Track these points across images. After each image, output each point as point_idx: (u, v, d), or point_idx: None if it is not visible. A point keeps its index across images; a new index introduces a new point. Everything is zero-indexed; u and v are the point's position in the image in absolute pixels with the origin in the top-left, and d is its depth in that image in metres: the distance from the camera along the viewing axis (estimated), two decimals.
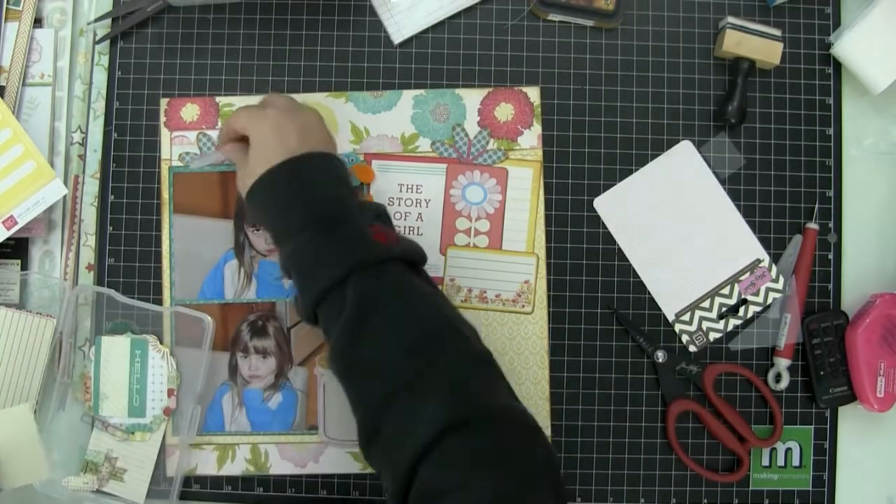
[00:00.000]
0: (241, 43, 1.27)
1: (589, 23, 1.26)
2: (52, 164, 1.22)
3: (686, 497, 1.24)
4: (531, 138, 1.25)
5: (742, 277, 1.24)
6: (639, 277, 1.25)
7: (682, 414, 1.24)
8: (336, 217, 1.03)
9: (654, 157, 1.25)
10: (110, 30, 1.26)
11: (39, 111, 1.25)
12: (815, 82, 1.27)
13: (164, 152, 1.25)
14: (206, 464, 1.24)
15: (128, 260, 1.25)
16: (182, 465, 1.22)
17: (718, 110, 1.24)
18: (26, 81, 1.25)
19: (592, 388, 1.24)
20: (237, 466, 1.24)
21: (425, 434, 0.89)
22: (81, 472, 1.23)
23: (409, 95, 1.26)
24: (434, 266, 1.24)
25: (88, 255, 1.25)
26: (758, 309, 1.24)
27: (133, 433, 1.23)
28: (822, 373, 1.23)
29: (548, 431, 1.23)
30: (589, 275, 1.25)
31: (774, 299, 1.24)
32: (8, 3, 1.24)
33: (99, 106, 1.26)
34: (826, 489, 1.24)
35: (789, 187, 1.25)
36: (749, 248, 1.24)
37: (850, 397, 1.23)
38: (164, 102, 1.26)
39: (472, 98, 1.25)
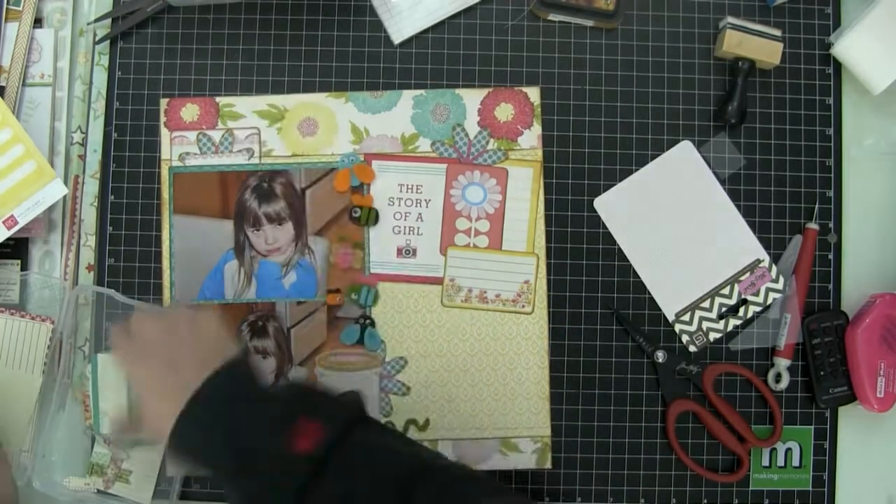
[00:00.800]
0: (241, 43, 1.27)
1: (589, 23, 1.26)
2: (52, 164, 1.22)
3: (686, 497, 1.24)
4: (531, 138, 1.25)
5: (742, 277, 1.24)
6: (639, 277, 1.25)
7: (682, 414, 1.24)
8: (250, 464, 0.92)
9: (654, 157, 1.25)
10: (110, 30, 1.26)
11: (39, 111, 1.25)
12: (815, 82, 1.27)
13: (164, 152, 1.25)
14: None
15: (128, 260, 1.25)
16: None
17: (718, 110, 1.24)
18: (26, 81, 1.25)
19: (592, 388, 1.24)
20: None
21: None
22: (87, 475, 1.23)
23: (408, 95, 1.26)
24: (434, 266, 1.24)
25: (88, 255, 1.25)
26: (758, 309, 1.24)
27: (134, 447, 1.23)
28: (821, 373, 1.23)
29: (548, 431, 1.24)
30: (589, 275, 1.25)
31: (774, 299, 1.24)
32: (8, 3, 1.24)
33: (99, 106, 1.26)
34: (826, 489, 1.24)
35: (789, 187, 1.25)
36: (749, 248, 1.24)
37: (850, 397, 1.23)
38: (163, 102, 1.26)
39: (472, 98, 1.25)
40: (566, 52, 1.27)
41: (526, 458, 1.24)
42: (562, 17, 1.26)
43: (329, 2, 1.27)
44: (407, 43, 1.26)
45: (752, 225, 1.24)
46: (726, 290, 1.24)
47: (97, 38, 1.26)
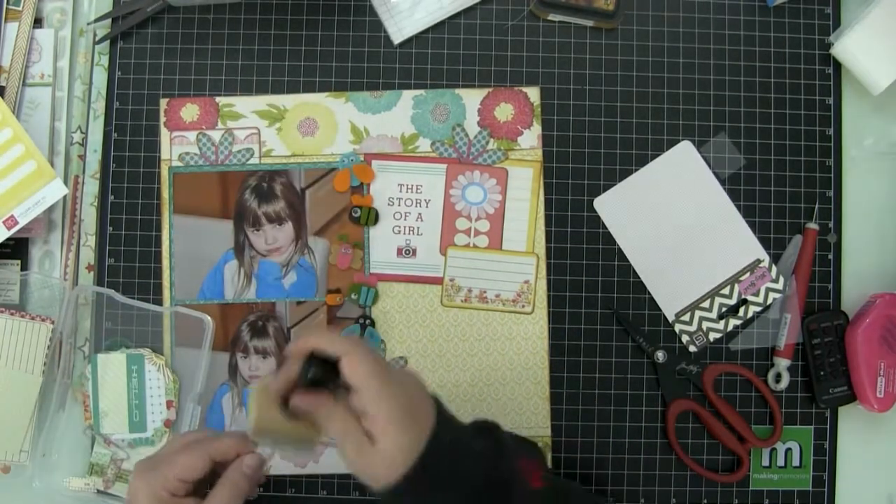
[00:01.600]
0: (241, 43, 1.27)
1: (589, 23, 1.26)
2: (52, 164, 1.22)
3: (686, 497, 1.24)
4: (531, 138, 1.25)
5: (742, 277, 1.24)
6: (639, 277, 1.25)
7: (682, 414, 1.24)
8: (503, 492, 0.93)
9: (654, 157, 1.25)
10: (110, 30, 1.26)
11: (39, 111, 1.25)
12: (815, 82, 1.27)
13: (164, 152, 1.25)
14: None
15: (128, 260, 1.25)
16: None
17: None
18: (26, 81, 1.25)
19: (592, 388, 1.24)
20: None
21: None
22: (87, 475, 1.23)
23: (408, 95, 1.26)
24: (434, 266, 1.24)
25: (88, 255, 1.25)
26: (758, 309, 1.24)
27: (135, 448, 1.23)
28: (821, 373, 1.23)
29: (548, 431, 1.24)
30: (589, 275, 1.25)
31: (774, 299, 1.24)
32: (8, 3, 1.24)
33: (99, 106, 1.26)
34: (826, 489, 1.24)
35: (789, 187, 1.25)
36: (749, 248, 1.24)
37: (850, 397, 1.23)
38: (163, 102, 1.26)
39: (471, 98, 1.25)
40: (566, 52, 1.27)
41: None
42: (562, 17, 1.26)
43: (329, 2, 1.27)
44: (407, 43, 1.26)
45: (752, 225, 1.24)
46: (726, 290, 1.24)
47: (97, 38, 1.26)
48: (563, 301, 1.25)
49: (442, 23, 1.26)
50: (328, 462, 1.24)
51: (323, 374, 0.92)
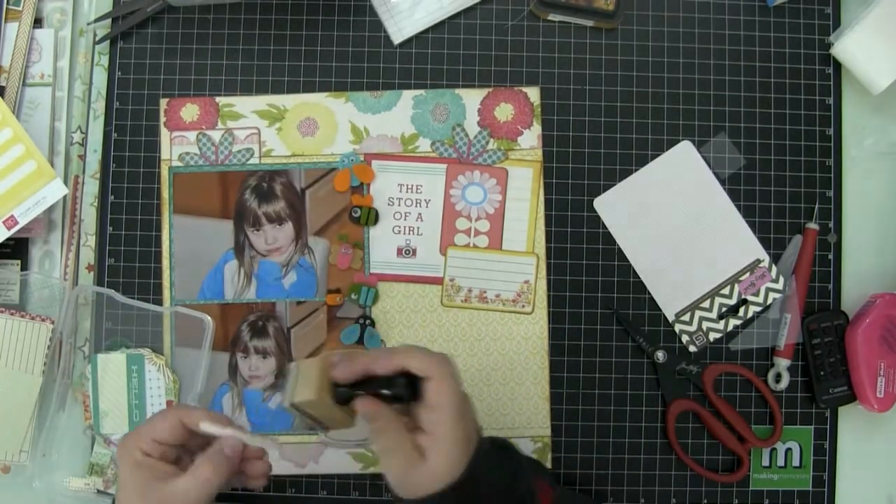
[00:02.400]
0: (241, 43, 1.27)
1: (589, 23, 1.26)
2: (52, 164, 1.22)
3: (686, 497, 1.24)
4: (531, 138, 1.25)
5: (742, 277, 1.24)
6: (639, 277, 1.25)
7: (682, 414, 1.24)
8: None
9: (654, 157, 1.25)
10: (110, 30, 1.26)
11: (39, 111, 1.25)
12: (815, 82, 1.27)
13: (164, 152, 1.25)
14: None
15: (128, 260, 1.25)
16: None
17: None
18: (26, 81, 1.25)
19: (592, 388, 1.24)
20: None
21: None
22: (87, 475, 1.23)
23: (408, 95, 1.26)
24: (434, 266, 1.24)
25: (88, 255, 1.25)
26: (758, 309, 1.24)
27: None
28: (821, 373, 1.23)
29: (548, 431, 1.24)
30: (589, 275, 1.25)
31: (774, 299, 1.24)
32: (8, 3, 1.24)
33: (99, 106, 1.26)
34: (826, 489, 1.24)
35: (789, 187, 1.25)
36: (749, 248, 1.24)
37: (851, 397, 1.23)
38: (163, 102, 1.26)
39: (471, 98, 1.26)
40: (566, 52, 1.27)
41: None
42: (562, 17, 1.26)
43: (329, 2, 1.27)
44: (407, 43, 1.26)
45: (752, 225, 1.24)
46: (726, 290, 1.24)
47: (97, 38, 1.26)
48: (563, 301, 1.25)
49: (442, 23, 1.26)
50: (328, 462, 1.24)
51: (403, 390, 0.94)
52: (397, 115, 1.26)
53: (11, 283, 1.24)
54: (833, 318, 1.24)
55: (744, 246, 1.24)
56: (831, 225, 1.26)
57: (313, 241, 1.24)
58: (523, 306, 1.24)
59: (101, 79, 1.26)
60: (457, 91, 1.26)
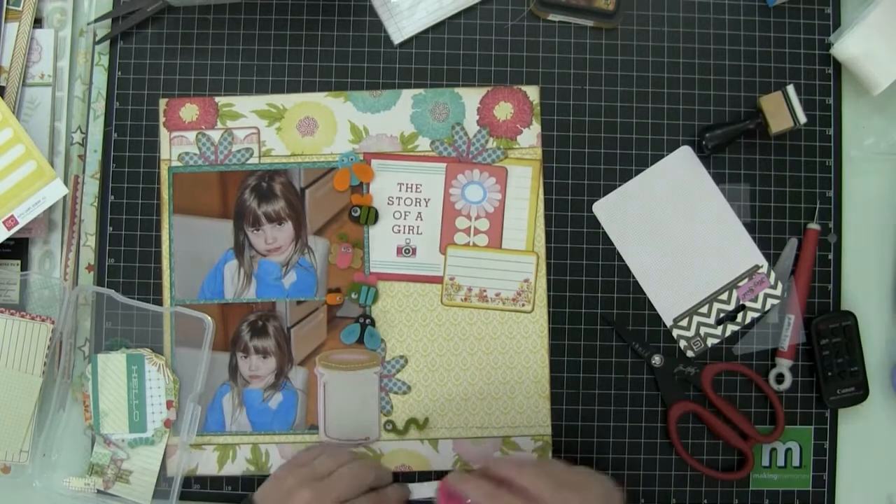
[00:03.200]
0: (241, 43, 1.27)
1: (589, 23, 1.26)
2: (52, 164, 1.22)
3: (686, 497, 1.24)
4: (530, 137, 1.25)
5: (741, 283, 1.24)
6: (637, 281, 1.25)
7: (683, 415, 1.24)
8: None
9: (654, 157, 1.25)
10: (110, 30, 1.26)
11: (39, 111, 1.25)
12: (815, 82, 1.27)
13: (164, 152, 1.25)
14: (207, 464, 1.24)
15: (128, 260, 1.25)
16: (182, 466, 1.22)
17: (704, 129, 1.24)
18: (26, 81, 1.25)
19: (592, 388, 1.24)
20: (238, 466, 1.24)
21: None
22: (87, 475, 1.23)
23: (408, 95, 1.26)
24: (434, 265, 1.24)
25: (88, 255, 1.25)
26: (756, 315, 1.24)
27: (134, 448, 1.23)
28: (829, 373, 1.23)
29: (548, 431, 1.24)
30: (588, 275, 1.25)
31: (773, 305, 1.24)
32: (8, 3, 1.24)
33: (99, 106, 1.26)
34: (826, 489, 1.24)
35: (789, 187, 1.26)
36: (747, 253, 1.24)
37: (858, 398, 1.23)
38: (163, 103, 1.26)
39: (471, 97, 1.26)
40: (566, 52, 1.27)
41: (527, 457, 1.24)
42: (562, 17, 1.26)
43: (329, 2, 1.27)
44: (407, 43, 1.26)
45: (752, 226, 1.24)
46: (724, 296, 1.24)
47: (97, 38, 1.26)
48: (563, 301, 1.25)
49: (442, 23, 1.26)
50: None
51: None
52: (396, 114, 1.26)
53: (11, 283, 1.24)
54: (841, 319, 1.24)
55: (742, 251, 1.24)
56: (831, 225, 1.26)
57: (313, 241, 1.24)
58: (523, 305, 1.24)
59: (101, 79, 1.26)
60: (456, 90, 1.26)
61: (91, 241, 1.25)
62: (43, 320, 1.22)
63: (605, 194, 1.25)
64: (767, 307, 1.24)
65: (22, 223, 1.18)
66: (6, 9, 1.24)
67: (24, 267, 1.25)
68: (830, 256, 1.26)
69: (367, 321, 1.23)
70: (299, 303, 1.24)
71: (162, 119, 1.26)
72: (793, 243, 1.25)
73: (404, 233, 1.24)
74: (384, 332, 1.24)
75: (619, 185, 1.25)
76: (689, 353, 1.24)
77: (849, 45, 1.23)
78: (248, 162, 1.25)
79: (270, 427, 1.24)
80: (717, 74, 1.27)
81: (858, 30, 1.22)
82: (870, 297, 1.26)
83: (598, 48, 1.27)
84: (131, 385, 1.22)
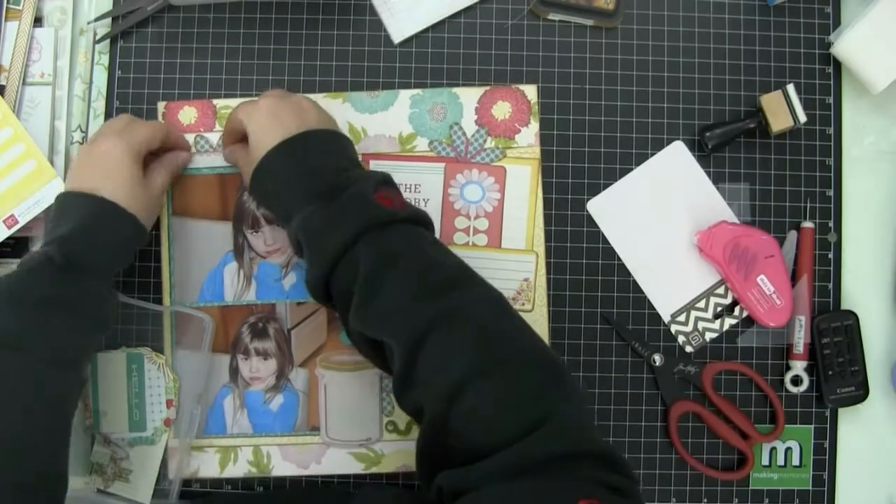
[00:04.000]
0: (241, 43, 1.27)
1: (589, 22, 1.26)
2: (52, 163, 1.23)
3: (686, 497, 1.24)
4: (529, 136, 1.25)
5: None
6: (635, 279, 1.25)
7: (683, 415, 1.24)
8: (338, 187, 1.04)
9: (654, 156, 1.25)
10: (110, 29, 1.26)
11: (39, 110, 1.25)
12: (815, 82, 1.27)
13: None
14: (209, 466, 1.24)
15: None
16: (181, 467, 1.22)
17: (705, 128, 1.24)
18: (26, 80, 1.25)
19: (592, 387, 1.24)
20: (239, 468, 1.24)
21: (457, 378, 0.91)
22: (86, 474, 1.23)
23: (405, 95, 1.26)
24: None
25: None
26: None
27: (134, 447, 1.23)
28: (829, 372, 1.23)
29: None
30: (588, 274, 1.25)
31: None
32: (8, 2, 1.24)
33: (99, 105, 1.26)
34: (826, 489, 1.25)
35: (789, 186, 1.26)
36: None
37: (859, 398, 1.23)
38: (161, 106, 1.25)
39: (469, 96, 1.26)
40: (566, 51, 1.27)
41: None
42: (562, 17, 1.26)
43: (329, 2, 1.26)
44: (407, 42, 1.26)
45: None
46: (721, 290, 1.25)
47: (97, 37, 1.26)
48: (563, 300, 1.25)
49: (442, 22, 1.26)
50: (330, 463, 1.24)
51: None
52: (394, 114, 1.26)
53: None
54: (842, 318, 1.24)
55: None
56: (831, 224, 1.26)
57: None
58: (523, 304, 1.24)
59: (101, 78, 1.26)
60: (454, 90, 1.26)
61: None
62: None
63: None
64: None
65: (22, 222, 1.19)
66: (6, 8, 1.24)
67: None
68: (830, 256, 1.26)
69: None
70: (299, 304, 1.24)
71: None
72: (792, 236, 1.25)
73: None
74: None
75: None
76: (688, 349, 1.24)
77: (849, 45, 1.23)
78: None
79: (272, 429, 1.23)
80: (717, 74, 1.27)
81: (858, 29, 1.22)
82: (870, 296, 1.27)
83: (598, 47, 1.27)
84: (131, 384, 1.23)
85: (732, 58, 1.27)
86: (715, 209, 1.25)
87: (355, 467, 1.24)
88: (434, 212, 1.24)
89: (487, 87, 1.26)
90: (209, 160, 1.25)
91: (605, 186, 1.25)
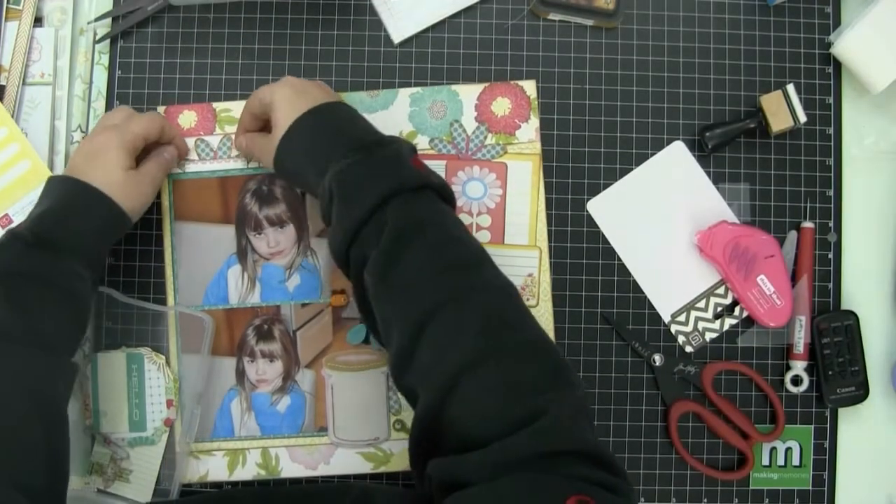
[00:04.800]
0: (241, 43, 1.26)
1: (589, 22, 1.26)
2: (52, 164, 1.23)
3: (686, 497, 1.24)
4: (529, 132, 1.25)
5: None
6: (636, 279, 1.25)
7: (683, 415, 1.24)
8: (377, 142, 1.06)
9: (654, 156, 1.26)
10: (110, 29, 1.26)
11: (39, 110, 1.24)
12: (815, 82, 1.27)
13: None
14: (217, 469, 1.23)
15: (128, 260, 1.25)
16: (181, 468, 1.22)
17: (705, 128, 1.24)
18: (26, 80, 1.25)
19: (593, 387, 1.24)
20: (248, 471, 1.23)
21: (455, 366, 0.91)
22: (87, 474, 1.23)
23: (405, 93, 1.26)
24: None
25: None
26: None
27: (134, 447, 1.23)
28: (829, 372, 1.23)
29: None
30: (588, 274, 1.25)
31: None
32: (8, 2, 1.24)
33: (99, 105, 1.25)
34: (826, 489, 1.25)
35: (789, 186, 1.26)
36: None
37: (859, 398, 1.24)
38: (160, 110, 1.25)
39: (468, 94, 1.26)
40: (566, 51, 1.27)
41: None
42: (562, 17, 1.26)
43: (329, 2, 1.26)
44: (407, 42, 1.26)
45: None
46: (721, 290, 1.25)
47: (97, 37, 1.26)
48: (564, 300, 1.25)
49: (442, 22, 1.26)
50: (339, 463, 1.24)
51: None
52: (394, 113, 1.26)
53: None
54: (842, 318, 1.24)
55: None
56: (831, 224, 1.26)
57: (316, 243, 1.24)
58: (528, 299, 1.24)
59: (101, 78, 1.26)
60: (453, 87, 1.26)
61: None
62: None
63: None
64: None
65: (17, 222, 1.19)
66: (6, 8, 1.24)
67: None
68: (831, 256, 1.26)
69: None
70: (304, 305, 1.24)
71: None
72: (792, 236, 1.25)
73: None
74: None
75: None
76: (688, 349, 1.25)
77: (849, 45, 1.23)
78: (248, 166, 1.24)
79: (280, 430, 1.23)
80: (717, 74, 1.27)
81: (858, 29, 1.22)
82: (870, 296, 1.27)
83: (598, 47, 1.27)
84: (131, 384, 1.22)
85: (732, 58, 1.27)
86: (715, 209, 1.25)
87: (364, 467, 1.24)
88: None
89: (487, 84, 1.26)
90: (210, 164, 1.25)
91: (605, 186, 1.25)
